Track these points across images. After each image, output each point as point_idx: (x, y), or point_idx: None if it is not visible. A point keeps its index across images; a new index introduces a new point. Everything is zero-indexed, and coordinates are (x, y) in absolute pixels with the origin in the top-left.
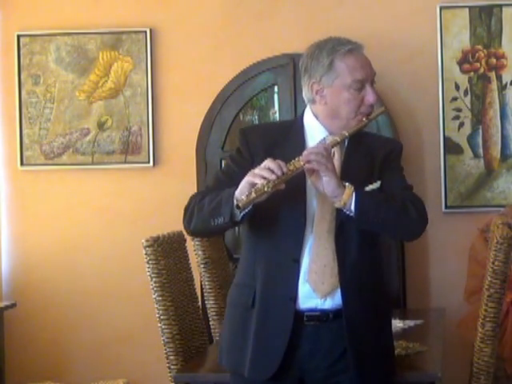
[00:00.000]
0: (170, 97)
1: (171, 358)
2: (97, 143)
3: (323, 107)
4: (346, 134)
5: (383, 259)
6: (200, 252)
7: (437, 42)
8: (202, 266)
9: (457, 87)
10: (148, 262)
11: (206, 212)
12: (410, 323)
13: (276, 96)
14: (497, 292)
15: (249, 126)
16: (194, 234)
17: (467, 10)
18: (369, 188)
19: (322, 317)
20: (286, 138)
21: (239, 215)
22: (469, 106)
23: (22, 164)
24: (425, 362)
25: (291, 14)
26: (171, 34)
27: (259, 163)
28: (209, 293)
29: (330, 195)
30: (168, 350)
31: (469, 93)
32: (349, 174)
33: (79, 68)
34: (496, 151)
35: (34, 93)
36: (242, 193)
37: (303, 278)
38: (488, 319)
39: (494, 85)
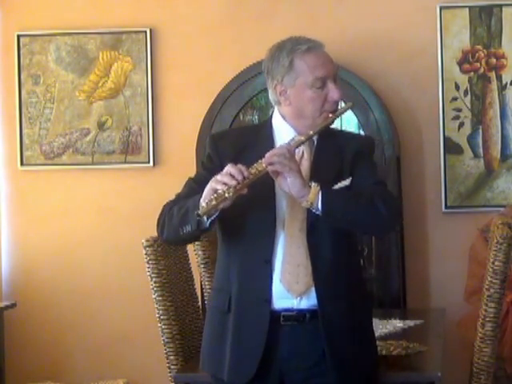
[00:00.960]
0: (170, 97)
1: (171, 357)
2: (97, 143)
3: (288, 108)
4: (311, 133)
5: (360, 257)
6: (200, 252)
7: (437, 42)
8: (202, 266)
9: (457, 87)
10: (148, 262)
11: (175, 221)
12: (410, 323)
13: None
14: (497, 292)
15: (219, 131)
16: (167, 242)
17: (467, 9)
18: (339, 185)
19: (298, 317)
20: (255, 141)
21: (206, 222)
22: (469, 105)
23: (22, 164)
24: (425, 362)
25: (291, 14)
26: (171, 33)
27: None
28: (209, 293)
29: (296, 196)
30: (168, 350)
31: (469, 93)
32: (318, 172)
33: (79, 68)
34: (496, 151)
35: (34, 93)
36: (204, 200)
37: (277, 279)
38: (488, 319)
39: (494, 85)
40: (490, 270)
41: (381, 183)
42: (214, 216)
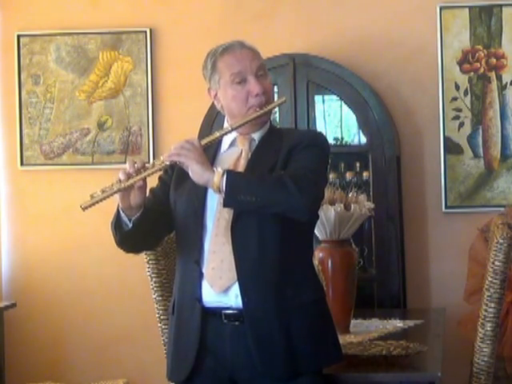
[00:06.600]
0: (170, 97)
1: None
2: (97, 143)
3: (223, 109)
4: (230, 129)
5: (309, 253)
6: None
7: (437, 41)
8: None
9: (457, 87)
10: (148, 262)
11: (113, 226)
12: (410, 323)
13: (276, 96)
14: (497, 292)
15: None
16: (126, 251)
17: (467, 9)
18: None
19: (239, 316)
20: (206, 146)
21: (129, 223)
22: (469, 106)
23: (22, 164)
24: (425, 362)
25: (291, 14)
26: (171, 33)
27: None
28: None
29: (200, 181)
30: None
31: (469, 93)
32: (252, 169)
33: (79, 68)
34: (496, 151)
35: (34, 93)
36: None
37: (205, 277)
38: (488, 319)
39: (494, 85)
40: (490, 269)
41: (305, 168)
42: (137, 215)
